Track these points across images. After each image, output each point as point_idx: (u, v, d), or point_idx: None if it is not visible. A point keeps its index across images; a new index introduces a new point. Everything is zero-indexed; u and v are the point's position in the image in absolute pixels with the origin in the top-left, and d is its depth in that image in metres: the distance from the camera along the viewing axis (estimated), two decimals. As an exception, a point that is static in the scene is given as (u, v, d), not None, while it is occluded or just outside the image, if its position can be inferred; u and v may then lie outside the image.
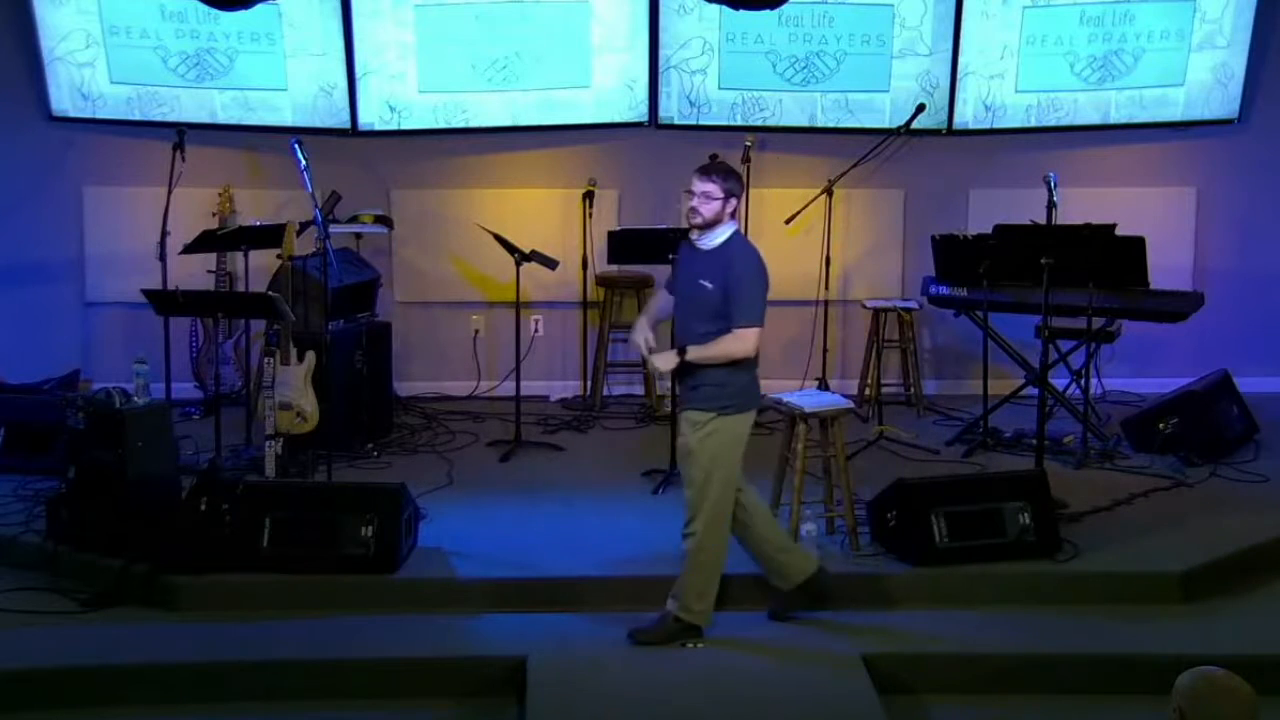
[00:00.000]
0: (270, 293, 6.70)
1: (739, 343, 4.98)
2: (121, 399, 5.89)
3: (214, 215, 7.89)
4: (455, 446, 7.38)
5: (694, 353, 5.02)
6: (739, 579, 5.61)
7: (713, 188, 5.01)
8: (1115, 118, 8.33)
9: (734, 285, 4.98)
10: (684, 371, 5.10)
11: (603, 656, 5.08)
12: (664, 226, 7.56)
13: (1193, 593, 5.59)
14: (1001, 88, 8.25)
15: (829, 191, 8.05)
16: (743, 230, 7.97)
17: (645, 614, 5.38)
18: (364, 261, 7.74)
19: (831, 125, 8.27)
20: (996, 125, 8.30)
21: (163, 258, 7.69)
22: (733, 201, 5.05)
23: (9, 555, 5.88)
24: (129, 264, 7.97)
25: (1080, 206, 7.73)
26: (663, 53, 8.13)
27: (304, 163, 6.79)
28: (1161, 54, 8.22)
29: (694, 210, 5.03)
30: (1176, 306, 7.23)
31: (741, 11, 7.94)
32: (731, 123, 8.25)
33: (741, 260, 5.03)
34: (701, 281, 5.03)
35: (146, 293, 6.59)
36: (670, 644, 5.13)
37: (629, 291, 8.10)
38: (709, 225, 5.04)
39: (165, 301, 6.57)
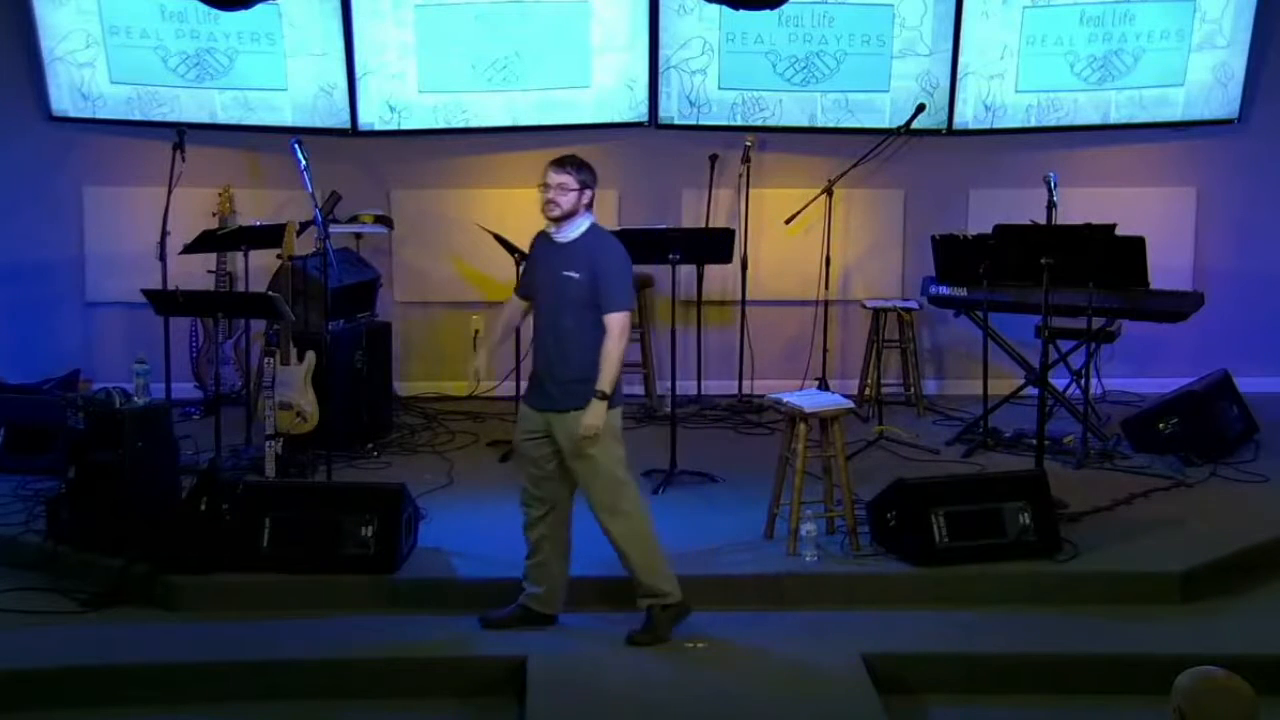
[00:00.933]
0: (270, 293, 6.70)
1: (619, 338, 5.00)
2: (121, 399, 5.89)
3: (214, 215, 7.89)
4: (455, 446, 7.38)
5: (605, 383, 4.98)
6: (741, 579, 5.62)
7: (568, 179, 5.04)
8: (1115, 118, 8.33)
9: (601, 273, 5.01)
10: (552, 373, 5.07)
11: (603, 656, 5.08)
12: (664, 226, 7.57)
13: (1192, 593, 5.59)
14: (1001, 88, 8.25)
15: (829, 191, 8.05)
16: (740, 228, 8.09)
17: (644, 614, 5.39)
18: (364, 261, 7.74)
19: (831, 125, 8.27)
20: (996, 125, 8.30)
21: (163, 258, 7.69)
22: (588, 193, 5.08)
23: (9, 555, 5.88)
24: (129, 264, 7.97)
25: (1080, 206, 7.72)
26: (663, 53, 8.13)
27: (304, 163, 6.79)
28: (1161, 54, 8.22)
29: (551, 203, 5.03)
30: (1176, 306, 7.23)
31: (741, 11, 7.94)
32: (731, 123, 8.25)
33: (606, 248, 5.09)
34: (567, 273, 5.04)
35: (146, 293, 6.59)
36: (669, 636, 5.13)
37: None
38: (566, 217, 5.06)
39: (165, 301, 6.57)
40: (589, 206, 5.12)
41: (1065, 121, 8.32)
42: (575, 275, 5.04)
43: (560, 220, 5.07)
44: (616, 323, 4.99)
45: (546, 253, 5.17)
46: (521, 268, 5.07)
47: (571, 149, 8.20)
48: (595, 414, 4.97)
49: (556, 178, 5.05)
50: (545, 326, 5.13)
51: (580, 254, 5.06)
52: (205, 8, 7.74)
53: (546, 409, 5.10)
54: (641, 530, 5.19)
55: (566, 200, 5.05)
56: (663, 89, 8.18)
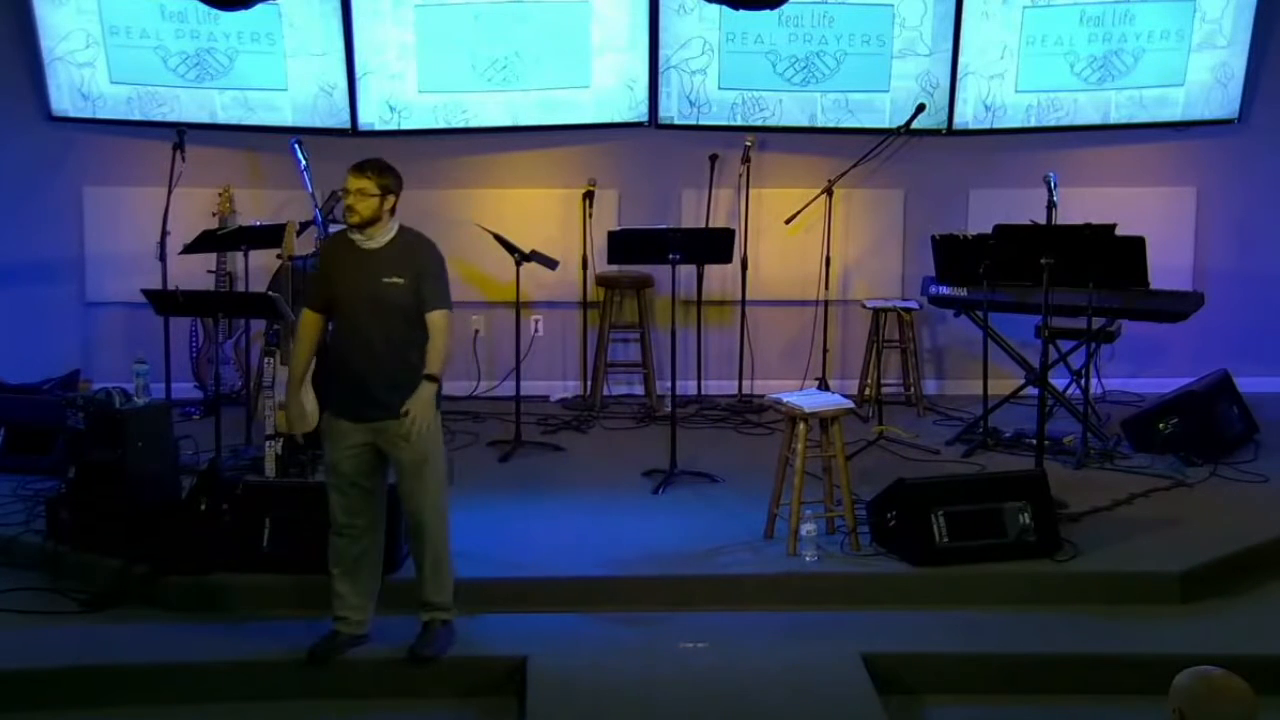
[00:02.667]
0: (270, 293, 6.70)
1: (446, 332, 4.93)
2: (121, 399, 5.89)
3: (214, 215, 7.89)
4: (455, 446, 7.38)
5: (436, 367, 4.87)
6: (741, 579, 5.62)
7: (367, 184, 4.92)
8: (1115, 118, 8.33)
9: (425, 274, 4.94)
10: (385, 379, 4.91)
11: (603, 656, 5.08)
12: (664, 226, 7.57)
13: (1192, 593, 5.59)
14: (1001, 88, 8.25)
15: (829, 191, 8.05)
16: (740, 228, 8.08)
17: (644, 614, 5.39)
18: (364, 261, 7.72)
19: (831, 125, 8.27)
20: (996, 125, 8.30)
21: (163, 258, 7.70)
22: (390, 197, 4.96)
23: (9, 555, 5.88)
24: (129, 264, 7.97)
25: (1080, 206, 7.73)
26: (663, 53, 8.13)
27: (304, 163, 6.80)
28: (1161, 54, 8.22)
29: (350, 209, 4.91)
30: (1176, 306, 7.23)
31: (741, 11, 7.93)
32: (731, 123, 8.25)
33: (426, 249, 5.02)
34: (388, 279, 4.93)
35: (146, 293, 6.60)
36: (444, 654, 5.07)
37: (629, 291, 8.11)
38: (368, 223, 4.94)
39: (165, 301, 6.57)
40: (392, 211, 4.99)
41: (1065, 121, 8.32)
42: (399, 280, 4.90)
43: (363, 226, 4.94)
44: (444, 319, 4.92)
45: (352, 259, 4.96)
46: (304, 279, 4.79)
47: (571, 149, 8.35)
48: (426, 398, 4.81)
49: (356, 183, 4.92)
50: (366, 334, 4.93)
51: (400, 257, 4.95)
52: (205, 8, 7.74)
53: (377, 418, 4.92)
54: (445, 547, 5.11)
55: (367, 206, 4.91)
56: (663, 89, 8.18)
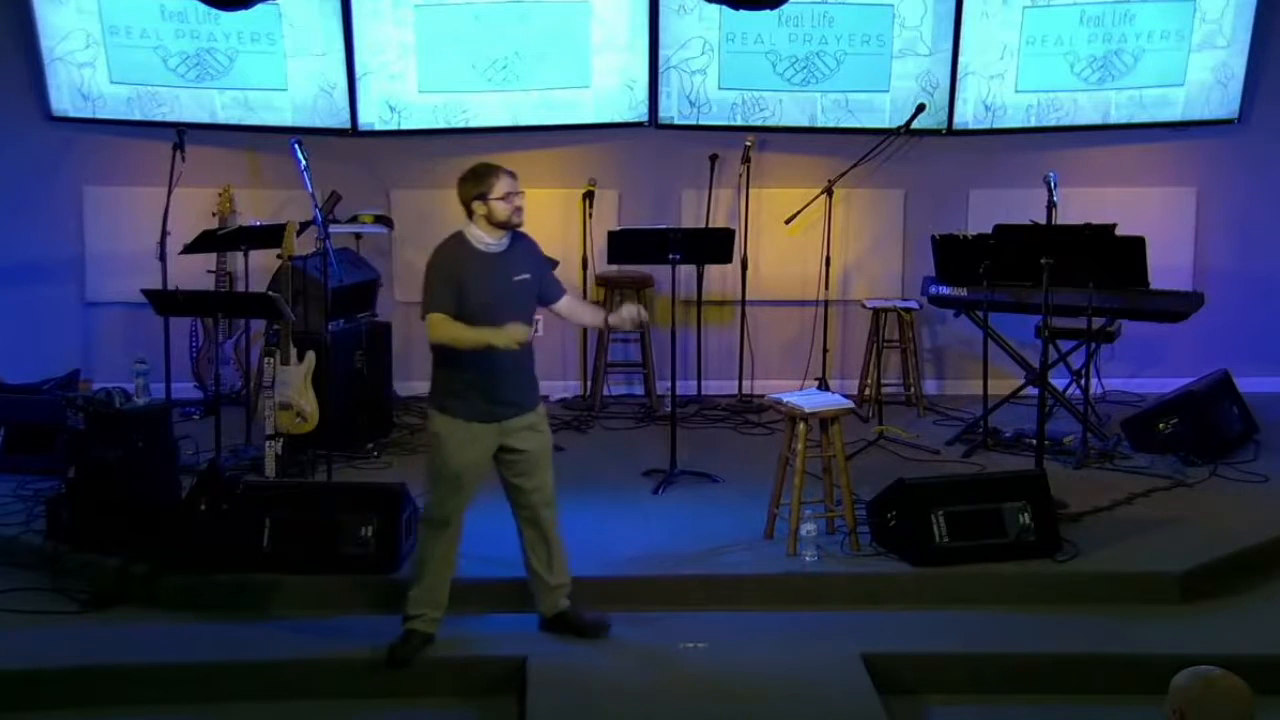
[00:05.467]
0: (270, 293, 6.70)
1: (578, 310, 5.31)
2: (121, 399, 5.89)
3: (214, 215, 7.89)
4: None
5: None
6: (741, 579, 5.62)
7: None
8: (1115, 118, 8.33)
9: (544, 268, 5.25)
10: (518, 377, 5.08)
11: (602, 656, 5.08)
12: (664, 226, 7.56)
13: (1192, 593, 5.59)
14: (1001, 88, 8.25)
15: (829, 191, 8.05)
16: (740, 228, 8.09)
17: (644, 614, 5.39)
18: (364, 261, 7.74)
19: (831, 125, 8.27)
20: (996, 125, 8.30)
21: (163, 258, 7.70)
22: None
23: (9, 555, 5.88)
24: (129, 264, 7.97)
25: (1080, 206, 7.73)
26: (663, 53, 8.13)
27: (304, 163, 6.80)
28: (1161, 54, 8.22)
29: (520, 211, 5.02)
30: (1176, 306, 7.23)
31: (741, 11, 7.93)
32: (731, 123, 8.25)
33: (535, 245, 5.22)
34: (518, 278, 5.06)
35: (146, 293, 6.59)
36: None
37: (629, 291, 8.10)
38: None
39: (165, 301, 6.57)
40: None
41: (1065, 121, 8.32)
42: (527, 276, 5.09)
43: (515, 229, 5.07)
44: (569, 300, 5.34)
45: (480, 262, 5.00)
46: (444, 288, 4.92)
47: (571, 149, 8.34)
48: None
49: (518, 186, 5.03)
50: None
51: (522, 257, 5.09)
52: (205, 8, 7.74)
53: (508, 416, 5.04)
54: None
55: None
56: (663, 89, 8.18)
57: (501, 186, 4.95)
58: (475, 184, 4.97)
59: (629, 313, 5.22)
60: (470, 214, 5.00)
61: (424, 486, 5.17)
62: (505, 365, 4.96)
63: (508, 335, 4.85)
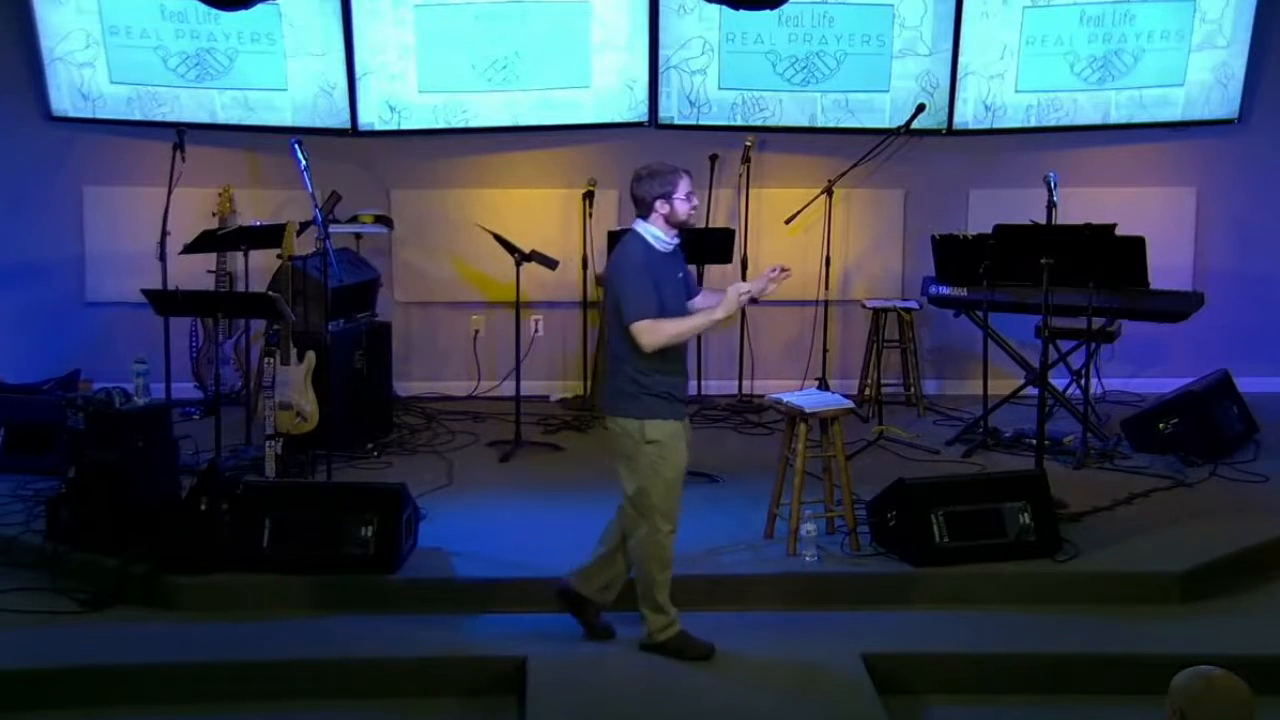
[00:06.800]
0: (270, 293, 6.69)
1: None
2: (121, 399, 5.89)
3: (214, 215, 7.89)
4: (455, 446, 7.38)
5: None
6: (741, 579, 5.62)
7: None
8: (1115, 118, 8.33)
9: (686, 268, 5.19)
10: (686, 378, 5.13)
11: (603, 656, 5.08)
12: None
13: (1192, 593, 5.59)
14: (1001, 88, 8.25)
15: (829, 191, 8.05)
16: (740, 228, 8.10)
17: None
18: (364, 261, 7.74)
19: (831, 125, 8.27)
20: (996, 125, 8.30)
21: (163, 258, 7.70)
22: None
23: (9, 555, 5.87)
24: (129, 264, 7.97)
25: (1080, 206, 7.73)
26: (663, 53, 8.13)
27: (304, 163, 6.79)
28: (1161, 54, 8.22)
29: (696, 210, 5.03)
30: (1176, 306, 7.23)
31: (741, 11, 7.93)
32: (731, 123, 8.25)
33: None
34: (682, 274, 5.11)
35: (146, 293, 6.59)
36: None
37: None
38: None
39: (165, 301, 6.57)
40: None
41: (1065, 121, 8.32)
42: (683, 273, 5.11)
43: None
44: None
45: (662, 262, 4.97)
46: (651, 290, 4.83)
47: (571, 149, 8.34)
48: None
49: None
50: None
51: (679, 253, 5.08)
52: (205, 8, 7.73)
53: (685, 415, 5.11)
54: None
55: None
56: (663, 89, 8.18)
57: (684, 186, 4.94)
58: (661, 183, 4.91)
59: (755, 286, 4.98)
60: (649, 212, 4.94)
61: (644, 503, 5.02)
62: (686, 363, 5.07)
63: (730, 303, 4.87)
